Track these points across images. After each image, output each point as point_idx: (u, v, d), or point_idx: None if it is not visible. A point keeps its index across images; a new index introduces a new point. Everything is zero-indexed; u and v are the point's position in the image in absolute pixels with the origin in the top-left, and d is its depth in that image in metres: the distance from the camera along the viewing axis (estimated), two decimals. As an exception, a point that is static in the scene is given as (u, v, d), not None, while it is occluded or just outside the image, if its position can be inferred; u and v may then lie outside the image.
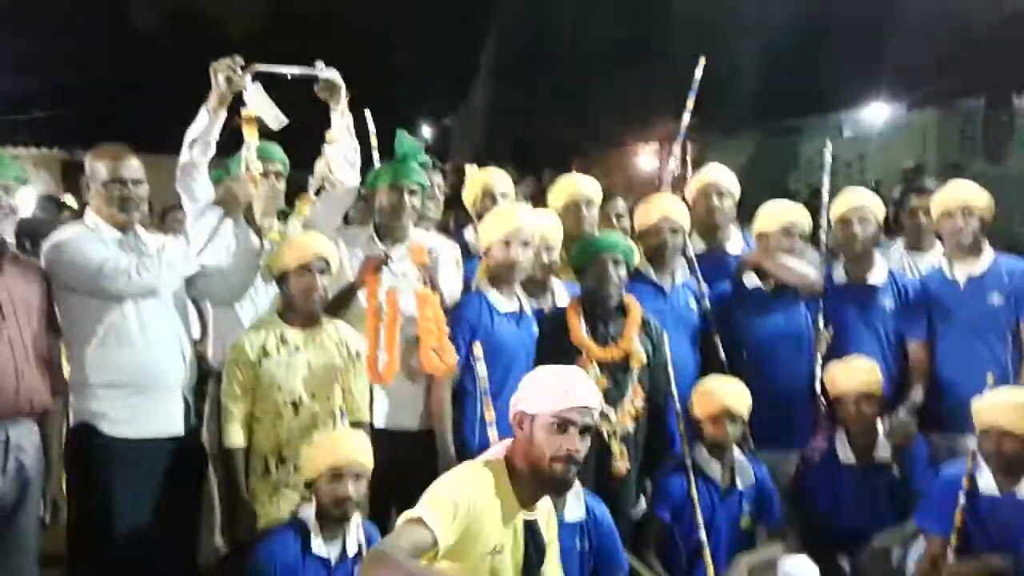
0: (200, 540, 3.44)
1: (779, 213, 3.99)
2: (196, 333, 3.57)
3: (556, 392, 2.40)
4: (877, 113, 11.71)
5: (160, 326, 3.22)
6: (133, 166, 3.20)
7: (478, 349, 3.26)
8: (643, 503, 3.65)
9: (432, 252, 3.58)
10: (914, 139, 11.44)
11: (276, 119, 3.40)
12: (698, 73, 4.37)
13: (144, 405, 3.16)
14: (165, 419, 3.21)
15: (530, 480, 2.41)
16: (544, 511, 2.56)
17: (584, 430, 2.39)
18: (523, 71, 13.01)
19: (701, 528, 3.45)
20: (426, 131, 14.35)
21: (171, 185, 3.49)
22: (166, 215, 5.37)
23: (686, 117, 4.47)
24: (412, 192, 3.61)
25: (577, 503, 3.24)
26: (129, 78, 12.80)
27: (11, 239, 3.12)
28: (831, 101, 11.76)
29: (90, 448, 3.11)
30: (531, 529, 2.48)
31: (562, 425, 2.37)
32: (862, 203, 3.98)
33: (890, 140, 11.60)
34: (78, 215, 4.23)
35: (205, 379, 3.47)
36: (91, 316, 3.11)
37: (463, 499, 2.29)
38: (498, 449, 2.51)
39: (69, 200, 7.44)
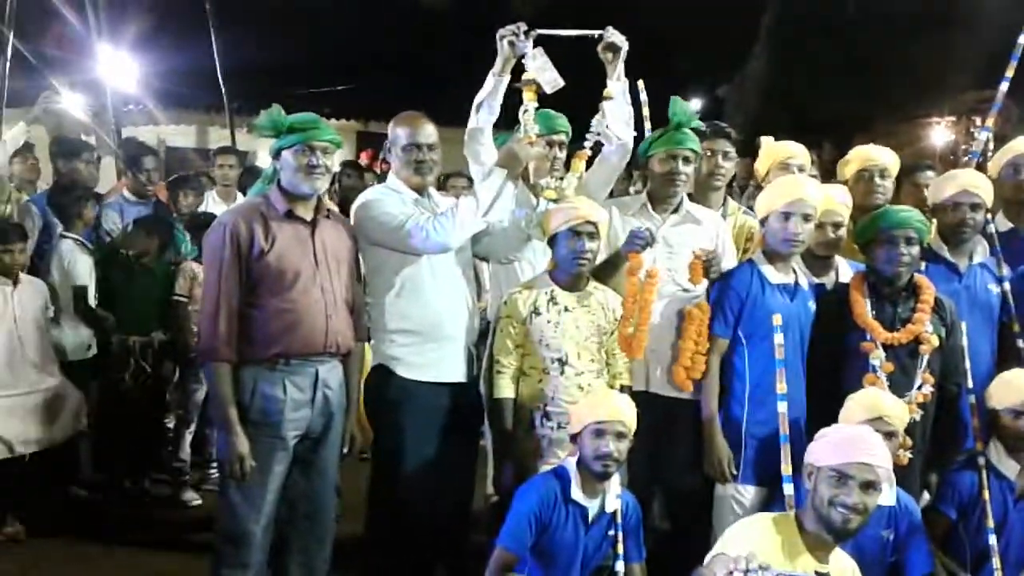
0: (474, 487, 3.66)
1: None
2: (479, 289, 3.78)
3: (840, 446, 2.59)
4: None
5: (449, 281, 3.44)
6: (429, 132, 3.44)
7: (778, 319, 3.16)
8: (926, 498, 3.43)
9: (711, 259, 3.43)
10: None
11: (552, 82, 3.49)
12: (1022, 39, 3.95)
13: (434, 352, 3.40)
14: (452, 366, 3.44)
15: (817, 530, 2.58)
16: (838, 569, 2.63)
17: (866, 486, 2.53)
18: (804, 40, 12.37)
19: (991, 530, 3.19)
20: (696, 102, 14.06)
21: (451, 153, 3.68)
22: (447, 181, 5.75)
23: (1003, 87, 4.08)
24: (687, 160, 3.56)
25: (888, 488, 3.09)
26: (418, 53, 13.64)
27: (326, 197, 3.45)
28: None
29: (386, 388, 3.40)
30: None
31: (842, 478, 2.52)
32: None
33: None
34: (380, 179, 4.60)
35: (486, 333, 3.67)
36: (391, 269, 3.39)
37: (755, 540, 2.52)
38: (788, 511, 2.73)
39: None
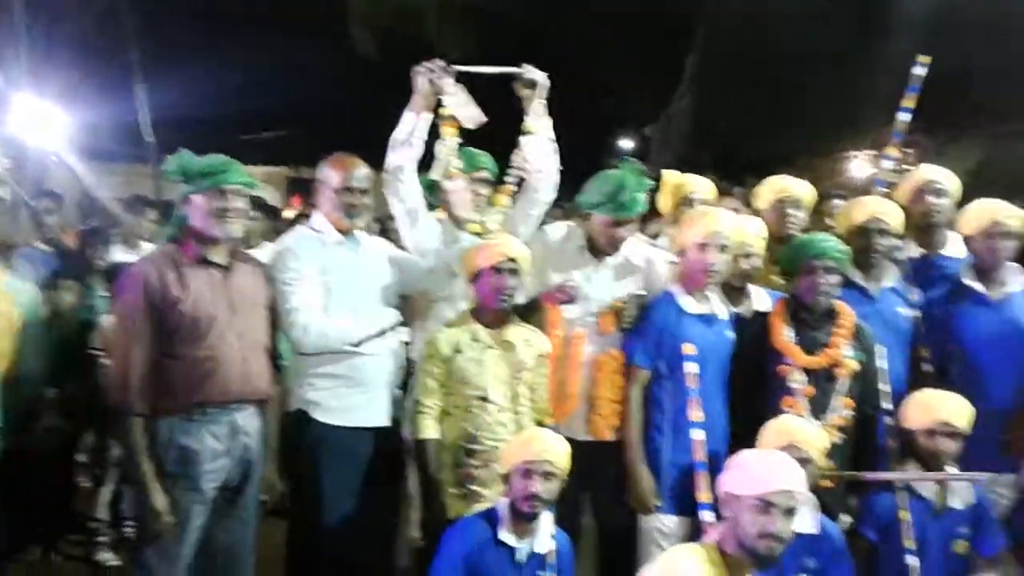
0: (399, 533, 3.60)
1: (981, 213, 3.65)
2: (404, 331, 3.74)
3: (760, 474, 2.58)
4: None
5: (371, 321, 3.39)
6: (362, 175, 3.42)
7: (689, 348, 3.20)
8: (845, 520, 3.47)
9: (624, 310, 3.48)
10: None
11: (472, 118, 3.51)
12: (920, 71, 4.10)
13: (355, 396, 3.36)
14: (374, 410, 3.40)
15: (739, 558, 2.56)
16: None
17: (788, 512, 2.53)
18: (727, 79, 12.72)
19: (911, 550, 3.22)
20: (625, 143, 14.33)
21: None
22: (385, 224, 5.73)
23: (903, 117, 4.22)
24: (630, 222, 3.55)
25: (812, 516, 3.13)
26: (350, 100, 13.67)
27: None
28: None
29: (304, 434, 3.34)
30: None
31: (766, 506, 2.51)
32: None
33: None
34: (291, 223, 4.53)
35: (410, 374, 3.63)
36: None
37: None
38: (711, 535, 2.67)
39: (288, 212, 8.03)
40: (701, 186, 4.10)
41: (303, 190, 11.14)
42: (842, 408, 3.38)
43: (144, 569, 3.07)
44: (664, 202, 4.14)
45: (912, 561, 3.21)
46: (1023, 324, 3.56)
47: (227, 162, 3.17)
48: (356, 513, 3.30)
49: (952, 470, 3.33)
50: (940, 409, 3.29)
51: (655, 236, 4.32)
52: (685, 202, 4.02)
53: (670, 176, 4.19)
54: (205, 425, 3.09)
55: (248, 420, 3.21)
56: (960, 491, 3.33)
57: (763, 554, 2.54)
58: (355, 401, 3.36)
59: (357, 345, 3.32)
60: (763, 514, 2.53)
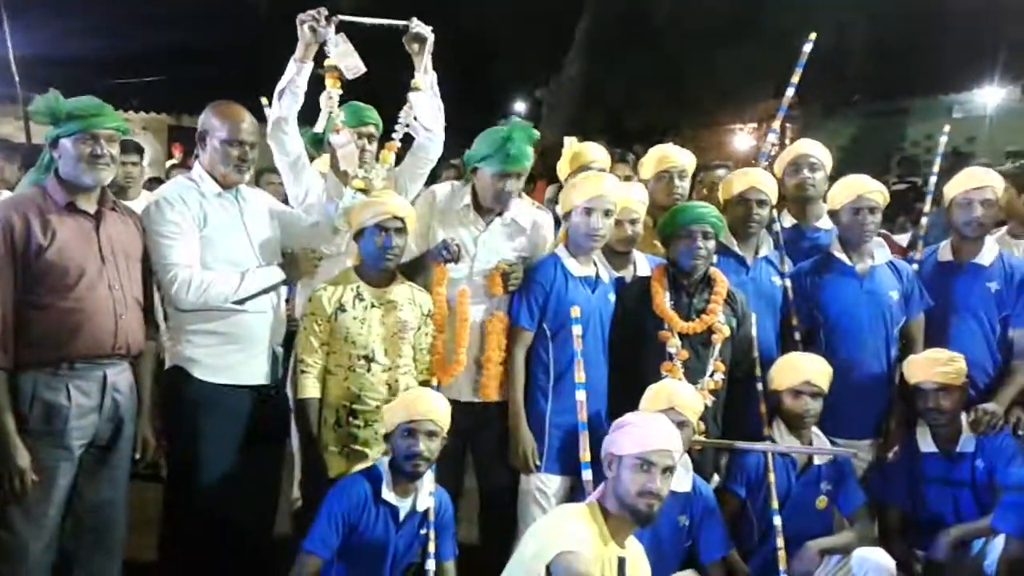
0: (279, 493, 3.55)
1: (848, 187, 3.81)
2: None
3: (641, 435, 2.68)
4: (990, 96, 11.21)
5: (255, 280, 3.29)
6: (250, 127, 3.29)
7: (575, 311, 3.25)
8: (716, 479, 3.62)
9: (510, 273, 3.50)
10: (1027, 124, 10.93)
11: (353, 68, 3.44)
12: (807, 48, 4.24)
13: (235, 354, 3.27)
14: (254, 368, 3.32)
15: (620, 516, 2.66)
16: (633, 553, 2.73)
17: (665, 471, 2.63)
18: (619, 46, 12.84)
19: (776, 511, 3.40)
20: (519, 105, 14.36)
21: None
22: (261, 178, 5.57)
23: (789, 92, 4.36)
24: (519, 176, 3.53)
25: (685, 475, 3.26)
26: (237, 45, 13.16)
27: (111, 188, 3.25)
28: (942, 82, 11.30)
29: (183, 392, 3.23)
30: (622, 566, 2.68)
31: (645, 465, 2.61)
32: (986, 182, 3.80)
33: (1003, 124, 11.10)
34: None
35: (294, 334, 3.55)
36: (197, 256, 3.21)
37: (583, 537, 2.59)
38: (593, 495, 2.77)
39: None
40: (600, 157, 4.15)
41: (185, 139, 10.71)
42: (716, 372, 3.51)
43: (8, 529, 2.93)
44: (563, 168, 4.17)
45: (776, 519, 3.38)
46: (883, 295, 3.76)
47: (100, 105, 3.01)
48: (235, 473, 3.23)
49: (818, 435, 3.52)
50: (804, 371, 3.46)
51: (555, 202, 4.36)
52: (583, 169, 4.06)
53: (571, 144, 4.22)
54: (72, 380, 2.96)
55: (119, 376, 3.09)
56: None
57: (642, 511, 2.63)
58: (235, 359, 3.27)
59: (240, 303, 3.23)
60: (643, 473, 2.62)
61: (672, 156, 4.12)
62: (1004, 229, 4.23)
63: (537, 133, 3.60)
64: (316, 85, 3.55)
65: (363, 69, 3.44)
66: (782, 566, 3.33)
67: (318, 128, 3.67)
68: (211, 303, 3.20)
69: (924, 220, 4.24)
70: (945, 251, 3.92)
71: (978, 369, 3.66)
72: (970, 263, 3.82)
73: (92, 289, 2.98)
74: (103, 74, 10.96)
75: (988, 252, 3.82)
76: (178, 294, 3.16)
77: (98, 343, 2.99)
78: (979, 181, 3.80)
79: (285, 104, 3.44)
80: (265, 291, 3.29)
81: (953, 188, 3.86)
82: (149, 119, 13.82)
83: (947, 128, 4.45)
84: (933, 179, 4.27)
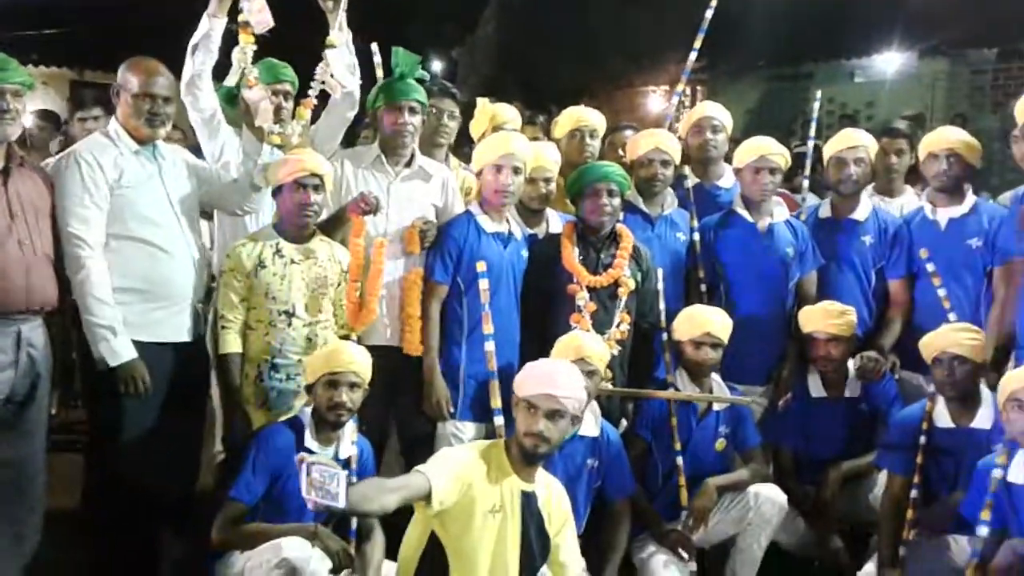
0: (201, 448, 3.58)
1: (751, 148, 4.01)
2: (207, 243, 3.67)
3: (533, 379, 2.81)
4: (889, 61, 11.62)
5: (174, 236, 3.32)
6: (165, 82, 3.28)
7: (482, 266, 3.37)
8: (624, 424, 3.82)
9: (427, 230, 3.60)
10: (923, 88, 11.38)
11: (263, 23, 3.44)
12: (708, 13, 4.40)
13: (156, 311, 3.28)
14: (176, 326, 3.34)
15: (518, 455, 2.80)
16: (545, 487, 2.87)
17: (551, 414, 2.74)
18: (531, 8, 12.84)
19: (679, 452, 3.60)
20: (436, 65, 14.26)
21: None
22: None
23: (692, 56, 4.52)
24: (412, 111, 3.61)
25: (593, 421, 3.41)
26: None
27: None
28: (845, 47, 11.64)
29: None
30: (528, 499, 2.81)
31: (531, 407, 2.74)
32: (859, 143, 4.06)
33: (900, 88, 11.53)
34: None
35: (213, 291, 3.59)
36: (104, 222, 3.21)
37: (461, 458, 2.76)
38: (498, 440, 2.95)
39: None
40: (512, 117, 4.27)
41: (87, 95, 10.33)
42: (622, 323, 3.68)
43: (-81, 487, 2.93)
44: (476, 129, 4.26)
45: (679, 460, 3.60)
46: (780, 251, 3.98)
47: (4, 60, 2.97)
48: (157, 432, 3.26)
49: (718, 382, 3.72)
50: (705, 322, 3.65)
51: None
52: (496, 130, 4.15)
53: (484, 105, 4.31)
54: (-14, 336, 2.94)
55: (33, 332, 3.08)
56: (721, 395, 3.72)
57: (528, 450, 2.77)
58: (156, 316, 3.29)
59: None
60: (529, 415, 2.76)
61: (584, 116, 4.25)
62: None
63: (416, 56, 3.69)
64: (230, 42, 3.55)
65: (271, 23, 3.45)
66: (684, 502, 3.55)
67: (229, 82, 3.67)
68: (82, 292, 3.16)
69: (805, 182, 4.48)
70: (825, 208, 4.18)
71: (856, 318, 3.90)
72: (847, 219, 4.08)
73: (2, 246, 2.97)
74: (2, 25, 10.47)
75: (863, 208, 4.08)
76: (70, 270, 3.15)
77: (11, 299, 2.99)
78: (853, 141, 4.06)
79: (199, 60, 3.43)
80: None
81: (830, 148, 4.12)
82: (49, 73, 13.27)
83: (819, 94, 4.95)
84: (811, 143, 4.56)
